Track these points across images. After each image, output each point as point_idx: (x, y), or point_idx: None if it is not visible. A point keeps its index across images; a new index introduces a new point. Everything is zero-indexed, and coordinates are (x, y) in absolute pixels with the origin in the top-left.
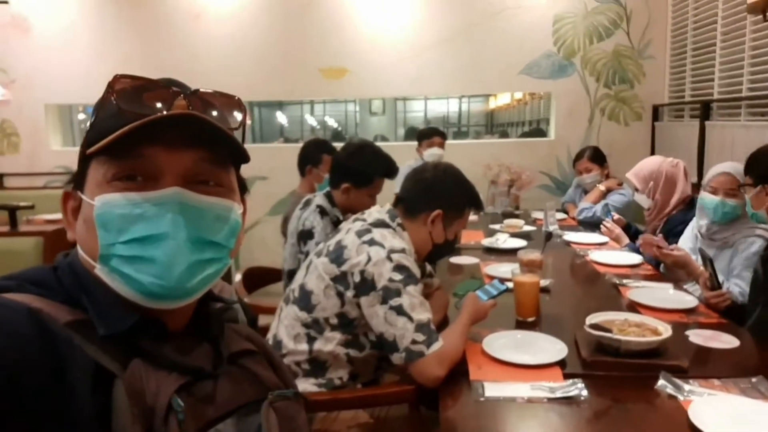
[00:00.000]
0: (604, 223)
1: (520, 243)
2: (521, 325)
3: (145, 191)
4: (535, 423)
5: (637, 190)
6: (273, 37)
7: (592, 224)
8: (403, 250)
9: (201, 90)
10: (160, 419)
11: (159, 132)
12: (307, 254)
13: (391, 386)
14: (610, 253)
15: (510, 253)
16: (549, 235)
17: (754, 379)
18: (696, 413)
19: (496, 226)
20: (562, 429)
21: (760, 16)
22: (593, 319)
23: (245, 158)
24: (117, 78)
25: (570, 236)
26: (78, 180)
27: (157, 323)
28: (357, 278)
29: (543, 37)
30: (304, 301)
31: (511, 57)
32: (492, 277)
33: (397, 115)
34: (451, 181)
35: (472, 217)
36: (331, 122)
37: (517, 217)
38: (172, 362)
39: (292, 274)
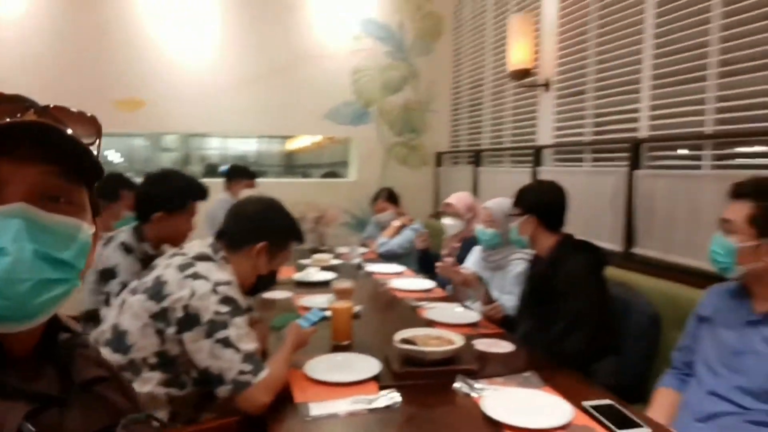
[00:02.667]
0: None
1: (330, 275)
2: (337, 348)
3: None
4: (358, 431)
5: (459, 216)
6: (65, 65)
7: (389, 257)
8: (228, 283)
9: (53, 105)
10: None
11: (6, 142)
12: (108, 294)
13: (214, 420)
14: (407, 281)
15: (321, 285)
16: (359, 266)
17: (526, 374)
18: (486, 405)
19: (306, 261)
20: None
21: (518, 82)
22: (401, 335)
23: (100, 174)
24: None
25: (372, 267)
26: None
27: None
28: (180, 314)
29: (344, 86)
30: (118, 342)
31: (314, 102)
32: (307, 308)
33: (191, 152)
34: (276, 214)
35: None
36: (116, 157)
37: (323, 252)
38: (15, 389)
39: (91, 314)
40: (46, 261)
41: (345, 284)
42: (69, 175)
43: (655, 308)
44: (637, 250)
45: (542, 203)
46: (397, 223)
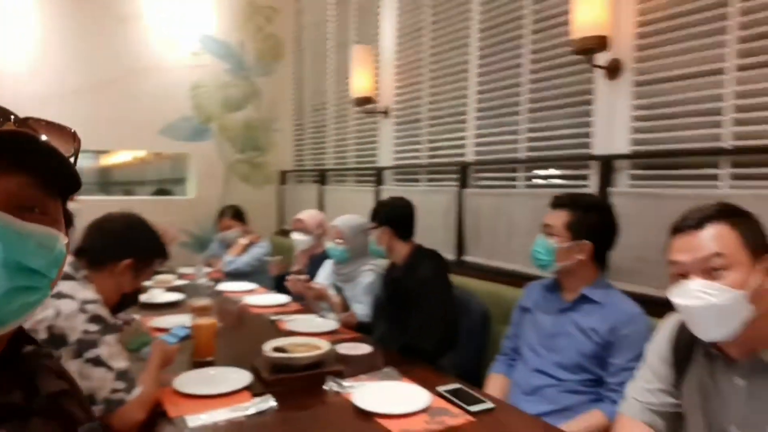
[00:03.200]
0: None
1: (177, 296)
2: (200, 365)
3: None
4: None
5: (309, 232)
6: None
7: (237, 275)
8: (96, 301)
9: (35, 117)
10: None
11: None
12: None
13: None
14: (261, 297)
15: (168, 306)
16: (209, 285)
17: (386, 370)
18: (357, 399)
19: (147, 283)
20: None
21: (360, 108)
22: (270, 345)
23: (77, 186)
24: None
25: (221, 286)
26: None
27: None
28: (43, 335)
29: (181, 101)
30: None
31: (150, 116)
32: (160, 329)
33: None
34: (140, 230)
35: None
36: None
37: (163, 273)
38: None
39: None
40: (19, 269)
41: (203, 302)
42: (45, 186)
43: (485, 306)
44: (467, 258)
45: (395, 216)
46: (244, 240)
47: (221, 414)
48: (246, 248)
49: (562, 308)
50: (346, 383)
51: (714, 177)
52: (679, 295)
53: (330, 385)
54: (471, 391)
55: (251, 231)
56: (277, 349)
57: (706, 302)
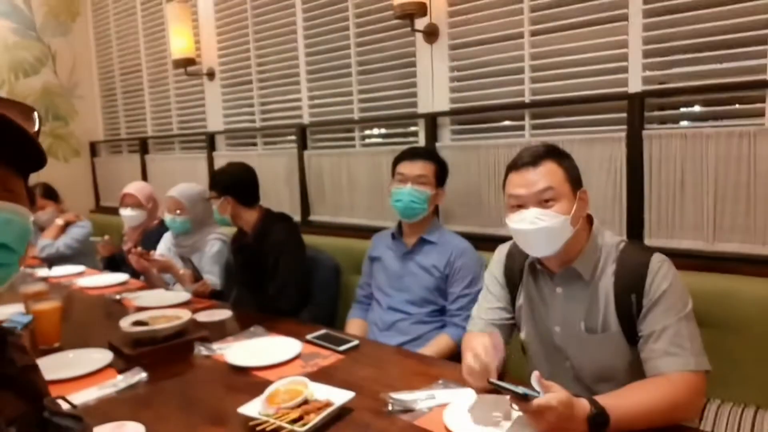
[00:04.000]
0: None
1: None
2: (46, 352)
3: None
4: (115, 412)
5: (141, 206)
6: None
7: (58, 259)
8: None
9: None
10: None
11: None
12: None
13: None
14: (95, 278)
15: None
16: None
17: (252, 329)
18: (229, 357)
19: None
20: (141, 406)
21: (182, 70)
22: (127, 320)
23: (43, 164)
24: None
25: (44, 273)
26: None
27: None
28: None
29: None
30: None
31: None
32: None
33: None
34: None
35: None
36: None
37: None
38: None
39: None
40: None
41: (37, 287)
42: (9, 164)
43: (335, 260)
44: (314, 217)
45: (236, 183)
46: (60, 221)
47: (90, 393)
48: (64, 229)
49: (406, 252)
50: (215, 346)
51: (520, 128)
52: (518, 222)
53: (199, 350)
54: (337, 334)
55: (67, 210)
56: (138, 323)
57: (540, 226)
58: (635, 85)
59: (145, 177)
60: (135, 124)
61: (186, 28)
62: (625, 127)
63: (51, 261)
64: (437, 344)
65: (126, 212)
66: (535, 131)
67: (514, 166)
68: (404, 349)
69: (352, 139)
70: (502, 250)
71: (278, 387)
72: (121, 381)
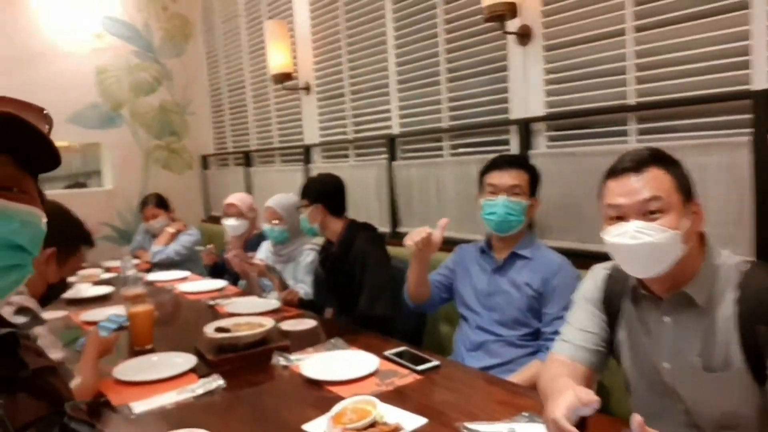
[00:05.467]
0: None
1: (105, 289)
2: (139, 353)
3: None
4: (190, 418)
5: (242, 216)
6: None
7: (168, 264)
8: (21, 293)
9: (4, 96)
10: None
11: None
12: None
13: None
14: (195, 284)
15: (97, 300)
16: (137, 277)
17: (332, 340)
18: (305, 369)
19: (72, 279)
20: (214, 414)
21: (280, 85)
22: (212, 326)
23: (57, 164)
24: None
25: (151, 277)
26: None
27: None
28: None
29: (87, 87)
30: None
31: (54, 105)
32: (91, 323)
33: None
34: (62, 218)
35: None
36: None
37: (86, 268)
38: None
39: None
40: (9, 248)
41: (136, 290)
42: (24, 165)
43: None
44: (403, 229)
45: (326, 192)
46: (171, 229)
47: (168, 397)
48: (174, 237)
49: (496, 268)
50: (293, 357)
51: (622, 133)
52: (617, 236)
53: (277, 360)
54: (417, 352)
55: (177, 219)
56: (220, 330)
57: (645, 241)
58: (761, 82)
59: (248, 189)
60: (240, 138)
61: (283, 44)
62: (748, 129)
63: (162, 266)
64: (528, 371)
65: (229, 221)
66: (640, 137)
67: (614, 172)
68: (488, 374)
69: (441, 148)
70: (600, 270)
71: (346, 405)
72: (199, 387)
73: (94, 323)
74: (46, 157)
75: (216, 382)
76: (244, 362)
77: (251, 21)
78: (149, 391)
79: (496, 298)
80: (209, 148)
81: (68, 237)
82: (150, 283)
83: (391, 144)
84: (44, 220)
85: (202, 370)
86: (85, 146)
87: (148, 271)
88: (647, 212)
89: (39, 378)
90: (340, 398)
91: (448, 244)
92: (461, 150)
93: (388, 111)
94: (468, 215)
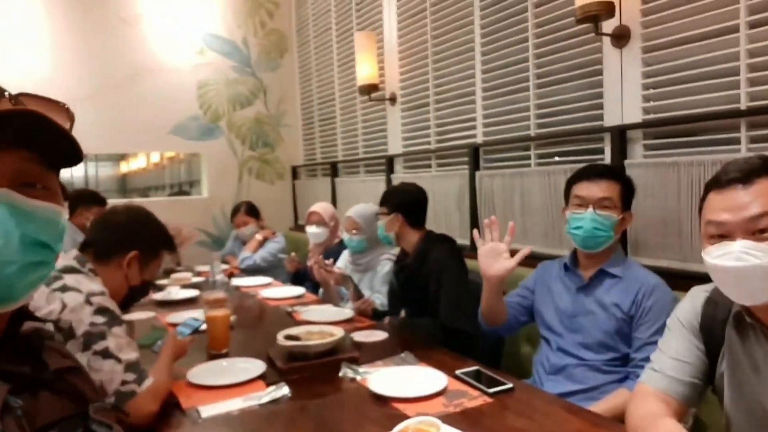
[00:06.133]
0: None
1: (192, 293)
2: (215, 357)
3: None
4: (253, 426)
5: (324, 224)
6: None
7: (253, 270)
8: (102, 293)
9: (25, 93)
10: None
11: None
12: None
13: None
14: (277, 290)
15: (184, 303)
16: (223, 281)
17: (402, 355)
18: (372, 384)
19: (164, 282)
20: (277, 424)
21: (367, 97)
22: (283, 333)
23: (79, 160)
24: None
25: (237, 282)
26: None
27: None
28: (50, 329)
29: (188, 100)
30: None
31: (159, 118)
32: (175, 325)
33: None
34: (146, 222)
35: None
36: None
37: (180, 271)
38: None
39: None
40: (31, 244)
41: (216, 294)
42: (46, 161)
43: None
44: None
45: (406, 202)
46: (259, 236)
47: (234, 403)
48: (262, 244)
49: (581, 286)
50: (361, 369)
51: (732, 141)
52: (719, 257)
53: (345, 372)
54: (490, 373)
55: (266, 226)
56: (291, 338)
57: (752, 264)
58: None
59: (334, 198)
60: (328, 149)
61: (371, 55)
62: None
63: (249, 272)
64: (613, 400)
65: (311, 229)
66: (754, 145)
67: (718, 183)
68: (567, 402)
69: (527, 158)
70: (699, 292)
71: (408, 425)
72: (265, 395)
73: (176, 325)
74: (68, 153)
75: (282, 391)
76: (313, 372)
77: (342, 34)
78: (217, 396)
79: (581, 319)
80: (300, 159)
81: (150, 241)
82: (236, 288)
83: (474, 153)
84: (65, 216)
85: (271, 377)
86: (189, 156)
87: (236, 276)
88: (756, 231)
89: (62, 378)
90: (404, 416)
91: (532, 260)
92: (549, 159)
93: (472, 120)
94: (554, 229)
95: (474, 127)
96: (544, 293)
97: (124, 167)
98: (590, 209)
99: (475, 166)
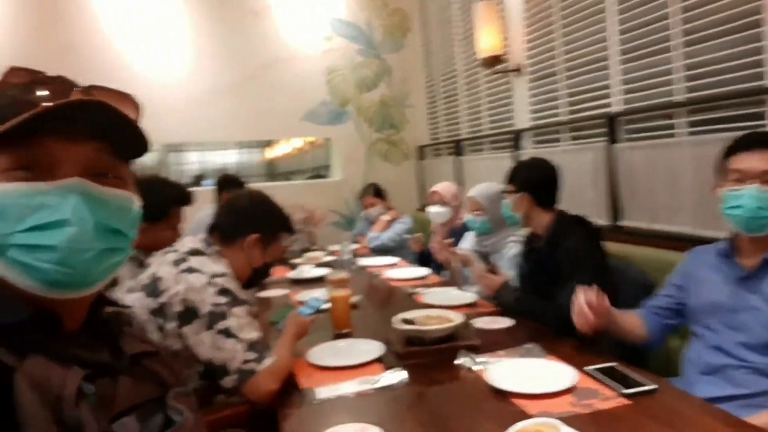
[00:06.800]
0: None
1: (324, 271)
2: (338, 337)
3: (42, 182)
4: (367, 411)
5: (446, 204)
6: None
7: (381, 251)
8: (224, 275)
9: (96, 85)
10: (70, 405)
11: (60, 122)
12: None
13: (222, 410)
14: (401, 270)
15: (316, 281)
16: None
17: (528, 346)
18: (491, 376)
19: (298, 261)
20: (391, 410)
21: (490, 69)
22: (400, 317)
23: (147, 150)
24: (12, 69)
25: (364, 261)
26: None
27: (53, 319)
28: (178, 308)
29: (318, 86)
30: None
31: (291, 105)
32: (302, 303)
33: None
34: (266, 206)
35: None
36: None
37: (314, 251)
38: (72, 355)
39: None
40: (106, 231)
41: (340, 275)
42: (117, 151)
43: (646, 276)
44: (625, 222)
45: (534, 180)
46: (386, 217)
47: (350, 386)
48: (389, 224)
49: (742, 277)
50: (480, 359)
51: None
52: None
53: (463, 360)
54: (628, 372)
55: (392, 207)
56: (407, 321)
57: None
58: None
59: (458, 178)
60: (452, 128)
61: (493, 25)
62: None
63: (377, 252)
64: None
65: (433, 209)
66: None
67: None
68: (720, 409)
69: (673, 126)
70: None
71: (526, 426)
72: (381, 379)
73: (304, 303)
74: (137, 143)
75: (399, 376)
76: (430, 357)
77: (463, 6)
78: (335, 377)
79: (742, 315)
80: (425, 138)
81: (270, 224)
82: (362, 268)
83: (610, 124)
84: (138, 204)
85: (388, 361)
86: (326, 141)
87: (365, 256)
88: None
89: (139, 363)
90: (524, 414)
91: (684, 241)
92: (700, 128)
93: (607, 87)
94: (708, 208)
95: (609, 95)
96: (696, 285)
97: (270, 153)
98: (752, 185)
99: (612, 138)
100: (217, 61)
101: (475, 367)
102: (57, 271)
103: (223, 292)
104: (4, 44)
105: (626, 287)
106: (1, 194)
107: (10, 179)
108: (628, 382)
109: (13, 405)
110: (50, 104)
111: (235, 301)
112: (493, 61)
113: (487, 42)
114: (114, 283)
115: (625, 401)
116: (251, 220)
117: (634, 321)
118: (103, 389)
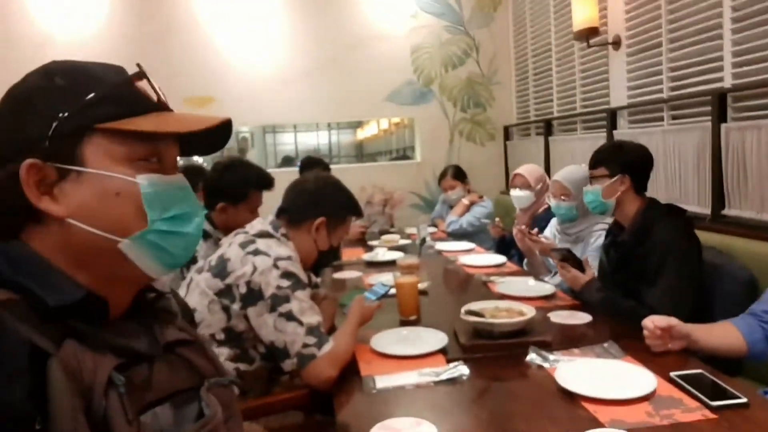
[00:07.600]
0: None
1: (397, 255)
2: (404, 324)
3: (166, 175)
4: (424, 404)
5: (529, 188)
6: (131, 68)
7: (459, 235)
8: (289, 258)
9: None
10: (99, 394)
11: (195, 138)
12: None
13: (283, 393)
14: (477, 257)
15: (389, 265)
16: (423, 240)
17: (605, 344)
18: (561, 376)
19: (375, 243)
20: (450, 406)
21: (585, 43)
22: (468, 308)
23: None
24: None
25: (441, 246)
26: (56, 152)
27: (102, 303)
28: (243, 289)
29: (403, 66)
30: None
31: (375, 85)
32: (372, 286)
33: (267, 148)
34: (333, 190)
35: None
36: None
37: (392, 233)
38: (107, 343)
39: None
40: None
41: (410, 260)
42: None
43: (750, 272)
44: (731, 211)
45: (634, 163)
46: (466, 200)
47: (410, 377)
48: (468, 208)
49: None
50: (552, 356)
51: None
52: None
53: (532, 357)
54: (717, 381)
55: (473, 190)
56: (474, 313)
57: None
58: None
59: (547, 159)
60: (542, 106)
61: None
62: None
63: (455, 236)
64: None
65: (515, 192)
66: None
67: None
68: None
69: None
70: None
71: None
72: (443, 371)
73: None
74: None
75: (460, 370)
76: (499, 352)
77: None
78: (396, 366)
79: None
80: (512, 118)
81: (336, 208)
82: (438, 253)
83: (720, 101)
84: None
85: (452, 352)
86: (411, 122)
87: (441, 240)
88: None
89: (173, 351)
90: (595, 422)
91: None
92: None
93: (719, 59)
94: None
95: (721, 68)
96: None
97: (361, 134)
98: None
99: (721, 117)
100: (306, 43)
101: (545, 365)
102: (183, 256)
103: (287, 275)
104: (111, 24)
105: (724, 283)
106: (155, 184)
107: (144, 169)
108: (716, 393)
109: (46, 391)
110: (218, 118)
111: (298, 285)
112: (589, 33)
113: (583, 13)
114: (194, 260)
115: (711, 414)
116: (317, 204)
117: (728, 333)
118: (137, 377)
